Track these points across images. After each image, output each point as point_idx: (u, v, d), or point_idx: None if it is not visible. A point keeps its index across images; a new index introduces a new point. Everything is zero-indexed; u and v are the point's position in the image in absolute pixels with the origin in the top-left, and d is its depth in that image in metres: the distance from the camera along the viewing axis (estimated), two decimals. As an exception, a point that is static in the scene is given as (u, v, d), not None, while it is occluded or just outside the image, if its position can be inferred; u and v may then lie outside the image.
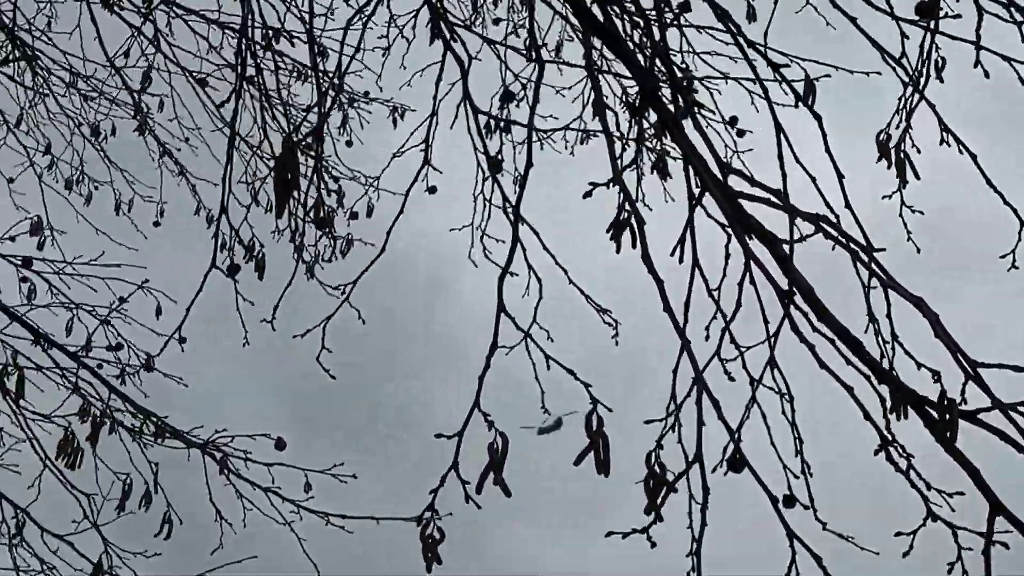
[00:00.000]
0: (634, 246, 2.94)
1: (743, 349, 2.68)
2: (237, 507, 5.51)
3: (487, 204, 4.86)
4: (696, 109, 2.54)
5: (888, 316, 2.94)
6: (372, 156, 5.62)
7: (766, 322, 2.61)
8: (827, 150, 3.00)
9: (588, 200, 2.78)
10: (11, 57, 6.95)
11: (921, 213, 3.64)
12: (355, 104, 6.23)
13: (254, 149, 5.99)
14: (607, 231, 2.96)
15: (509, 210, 4.09)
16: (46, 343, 5.25)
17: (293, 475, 5.60)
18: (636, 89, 2.61)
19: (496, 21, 5.51)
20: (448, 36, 4.13)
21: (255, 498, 5.54)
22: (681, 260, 2.51)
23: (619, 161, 3.00)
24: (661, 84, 2.51)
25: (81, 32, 6.20)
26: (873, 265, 2.46)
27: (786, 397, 2.79)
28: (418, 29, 5.27)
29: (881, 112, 3.67)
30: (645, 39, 2.53)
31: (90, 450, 5.22)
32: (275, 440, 5.52)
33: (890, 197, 3.57)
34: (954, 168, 3.46)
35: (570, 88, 5.40)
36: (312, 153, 5.58)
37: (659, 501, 2.61)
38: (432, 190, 4.72)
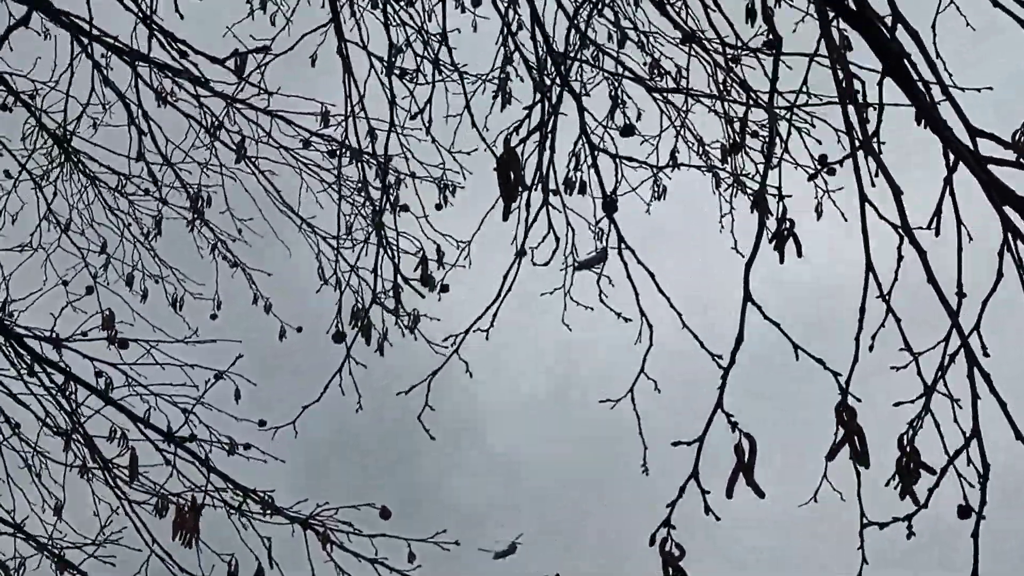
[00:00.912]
0: (799, 255, 2.89)
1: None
2: (342, 581, 5.38)
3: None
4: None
5: None
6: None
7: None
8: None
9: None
10: (58, 161, 6.89)
11: None
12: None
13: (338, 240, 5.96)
14: (770, 241, 2.91)
15: (623, 249, 4.04)
16: (143, 424, 5.13)
17: (396, 545, 5.48)
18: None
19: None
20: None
21: (362, 570, 5.40)
22: (937, 232, 2.45)
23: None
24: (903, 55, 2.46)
25: (131, 133, 6.12)
26: None
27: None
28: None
29: None
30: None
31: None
32: (379, 509, 5.40)
33: None
34: None
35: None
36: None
37: (914, 484, 2.54)
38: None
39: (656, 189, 5.82)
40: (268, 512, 5.27)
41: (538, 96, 4.02)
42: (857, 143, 2.37)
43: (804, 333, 2.75)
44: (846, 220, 4.80)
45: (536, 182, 3.64)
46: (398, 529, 5.44)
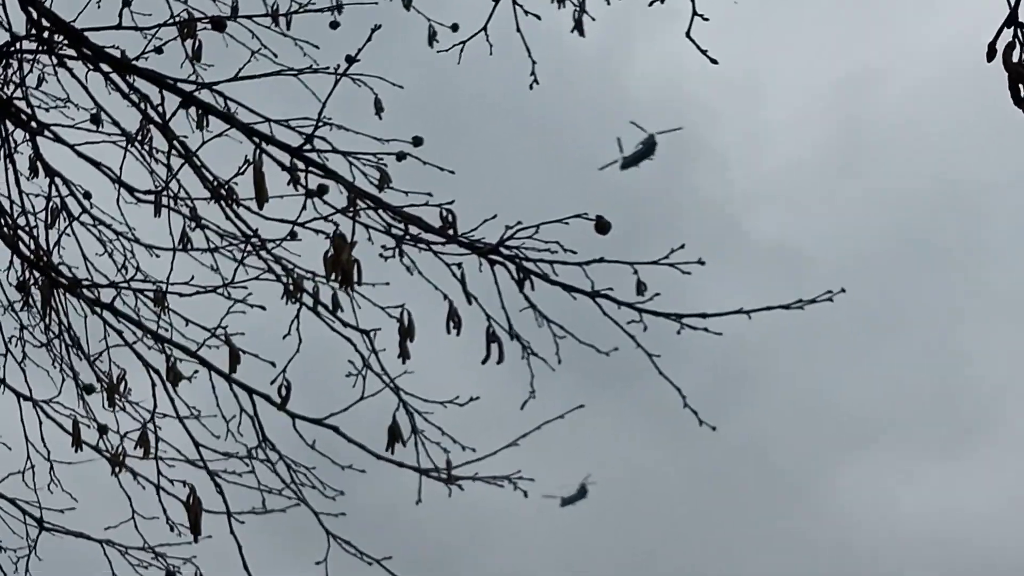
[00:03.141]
0: None
1: None
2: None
3: None
4: None
5: None
6: None
7: None
8: None
9: None
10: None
11: None
12: None
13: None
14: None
15: None
16: (266, 140, 3.54)
17: (619, 272, 3.93)
18: None
19: None
20: None
21: (575, 310, 3.90)
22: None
23: None
24: None
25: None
26: None
27: None
28: None
29: None
30: None
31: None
32: (595, 221, 3.84)
33: None
34: None
35: None
36: None
37: None
38: None
39: None
40: (444, 240, 3.73)
41: None
42: None
43: None
44: None
45: None
46: (620, 250, 3.90)
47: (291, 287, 3.99)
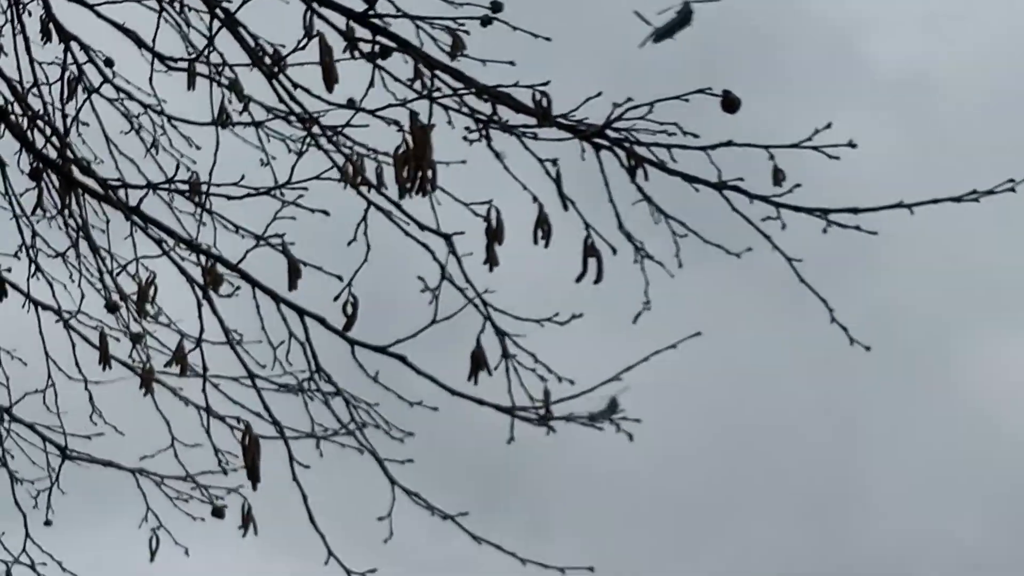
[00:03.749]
0: None
1: None
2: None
3: None
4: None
5: None
6: None
7: None
8: None
9: None
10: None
11: None
12: None
13: None
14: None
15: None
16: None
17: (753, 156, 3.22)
18: None
19: None
20: None
21: (699, 206, 3.20)
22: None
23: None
24: None
25: None
26: None
27: None
28: None
29: None
30: None
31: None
32: (721, 96, 3.11)
33: None
34: None
35: None
36: None
37: None
38: None
39: None
40: (540, 123, 3.03)
41: None
42: None
43: None
44: None
45: None
46: (750, 132, 3.18)
47: (350, 170, 3.30)
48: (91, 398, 4.30)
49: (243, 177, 3.54)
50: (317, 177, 3.34)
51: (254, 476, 3.25)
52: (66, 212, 3.92)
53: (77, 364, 4.27)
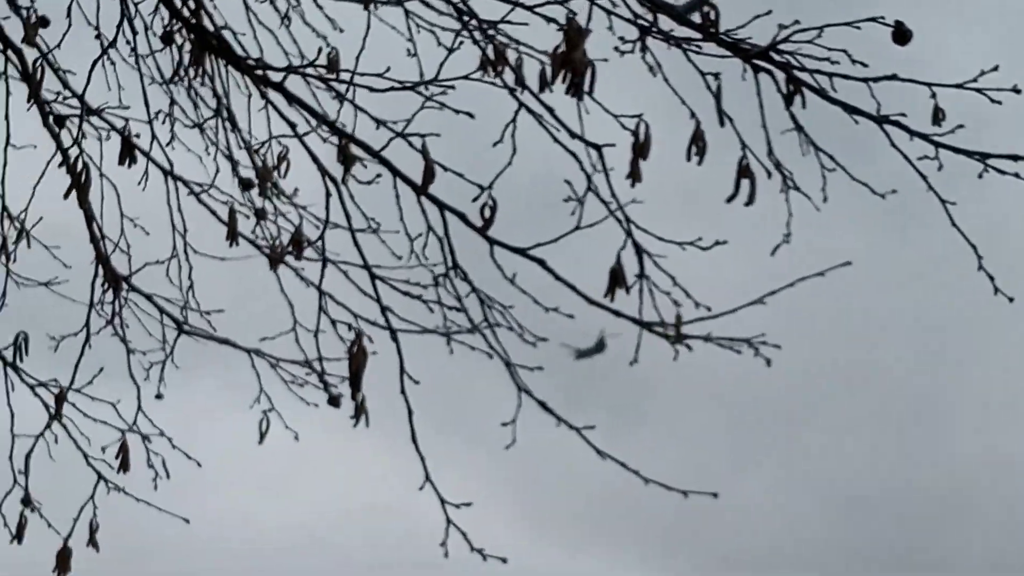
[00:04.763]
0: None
1: None
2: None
3: None
4: None
5: None
6: None
7: None
8: None
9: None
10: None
11: None
12: None
13: None
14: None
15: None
16: None
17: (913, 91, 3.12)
18: None
19: None
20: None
21: (859, 138, 3.11)
22: None
23: None
24: None
25: None
26: None
27: None
28: None
29: None
30: None
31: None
32: (893, 28, 3.01)
33: None
34: None
35: None
36: None
37: None
38: None
39: None
40: (703, 36, 2.95)
41: None
42: None
43: None
44: None
45: None
46: (916, 67, 3.08)
47: (492, 57, 3.23)
48: (212, 274, 4.27)
49: (388, 69, 3.48)
50: (466, 77, 3.28)
51: (355, 384, 3.23)
52: (206, 77, 3.84)
53: (201, 239, 4.23)
